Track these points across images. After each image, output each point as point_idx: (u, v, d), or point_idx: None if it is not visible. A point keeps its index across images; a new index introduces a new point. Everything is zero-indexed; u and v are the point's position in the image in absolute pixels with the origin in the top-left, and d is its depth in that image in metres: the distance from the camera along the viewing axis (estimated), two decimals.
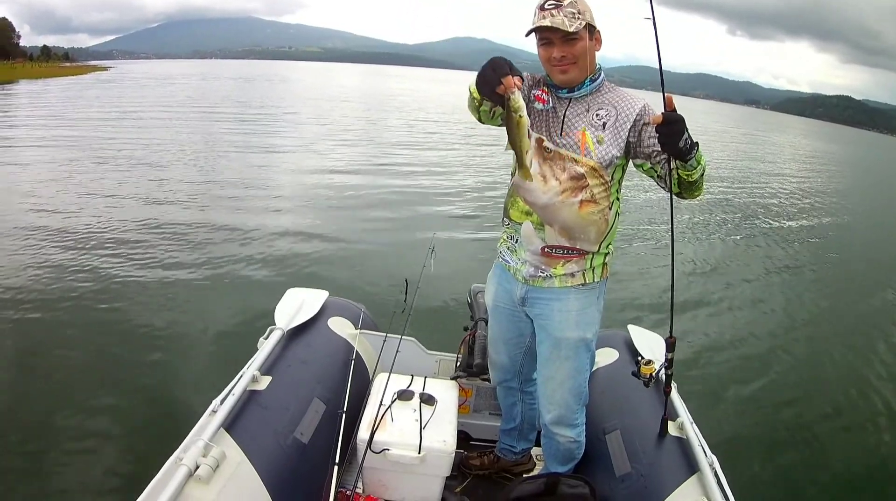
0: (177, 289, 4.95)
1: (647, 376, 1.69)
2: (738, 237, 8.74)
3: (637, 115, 1.55)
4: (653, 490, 1.64)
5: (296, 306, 2.39)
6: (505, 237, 1.81)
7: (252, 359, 1.97)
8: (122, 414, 3.19)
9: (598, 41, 1.57)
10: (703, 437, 1.76)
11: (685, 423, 1.80)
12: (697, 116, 53.25)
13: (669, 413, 1.79)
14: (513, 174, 1.60)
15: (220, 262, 5.67)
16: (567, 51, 1.52)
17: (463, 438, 2.37)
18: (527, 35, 1.57)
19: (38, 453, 2.86)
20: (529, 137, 1.44)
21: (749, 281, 6.66)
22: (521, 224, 1.66)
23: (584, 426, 1.88)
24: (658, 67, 1.51)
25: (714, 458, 1.62)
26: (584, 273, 1.66)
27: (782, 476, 3.19)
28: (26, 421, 3.07)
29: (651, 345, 2.30)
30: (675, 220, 1.77)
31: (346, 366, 2.14)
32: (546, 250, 1.63)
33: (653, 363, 1.72)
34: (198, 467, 1.46)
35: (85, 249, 5.67)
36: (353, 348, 2.28)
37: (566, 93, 1.61)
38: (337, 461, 1.72)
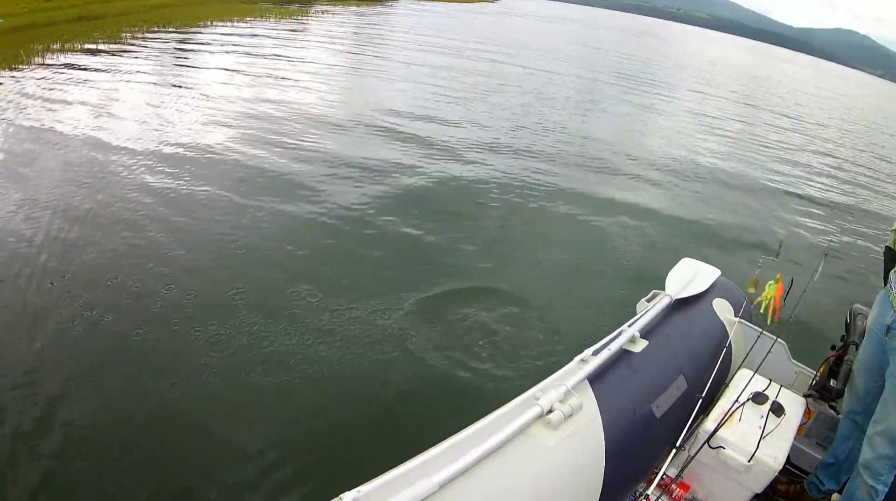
0: (560, 229, 5.25)
1: None
2: None
3: None
4: None
5: (688, 276, 2.34)
6: None
7: (634, 319, 1.94)
8: (487, 346, 3.32)
9: None
10: None
11: None
12: None
13: None
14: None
15: (608, 215, 5.78)
16: None
17: None
18: None
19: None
20: None
21: None
22: None
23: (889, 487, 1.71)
24: None
25: None
26: None
27: None
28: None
29: None
30: None
31: (718, 351, 2.07)
32: None
33: None
34: (551, 410, 1.43)
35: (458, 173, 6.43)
36: (729, 336, 2.21)
37: None
38: (678, 444, 1.69)
